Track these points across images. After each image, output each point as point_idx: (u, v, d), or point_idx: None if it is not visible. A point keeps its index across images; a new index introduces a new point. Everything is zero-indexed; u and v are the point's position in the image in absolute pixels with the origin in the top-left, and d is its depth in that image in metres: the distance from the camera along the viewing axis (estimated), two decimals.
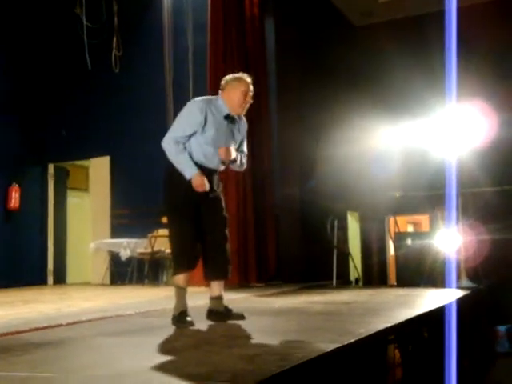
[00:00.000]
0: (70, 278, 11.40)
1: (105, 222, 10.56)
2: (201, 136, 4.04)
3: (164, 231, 8.10)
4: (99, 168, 10.81)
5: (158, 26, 10.02)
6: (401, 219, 10.72)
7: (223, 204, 4.22)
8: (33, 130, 11.11)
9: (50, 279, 11.05)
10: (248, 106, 4.22)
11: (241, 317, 4.13)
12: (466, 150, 7.49)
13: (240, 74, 4.26)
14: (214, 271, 4.13)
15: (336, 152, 8.75)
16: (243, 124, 4.34)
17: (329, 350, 2.83)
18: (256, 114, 8.45)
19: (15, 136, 10.80)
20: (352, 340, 3.11)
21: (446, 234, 7.41)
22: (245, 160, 4.38)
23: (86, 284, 10.51)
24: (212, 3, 8.51)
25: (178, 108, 4.27)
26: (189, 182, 3.97)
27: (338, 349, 2.90)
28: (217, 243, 4.09)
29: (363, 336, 3.28)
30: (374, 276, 10.86)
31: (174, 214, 4.15)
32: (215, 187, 4.15)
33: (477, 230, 7.82)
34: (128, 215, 10.24)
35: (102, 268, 10.23)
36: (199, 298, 4.59)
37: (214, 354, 2.90)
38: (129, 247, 9.62)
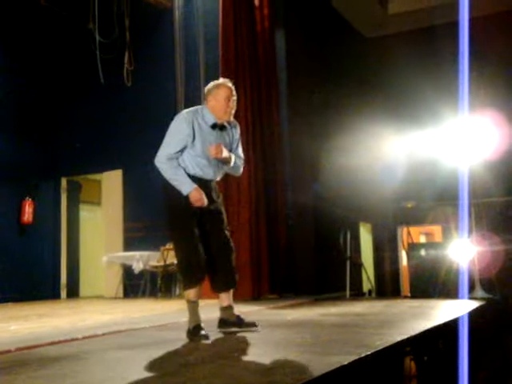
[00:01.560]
0: (83, 291, 11.43)
1: (117, 236, 10.60)
2: (191, 149, 4.00)
3: None
4: (111, 181, 10.86)
5: (169, 41, 10.11)
6: (414, 230, 10.68)
7: (224, 216, 4.19)
8: (46, 144, 11.20)
9: (63, 293, 11.08)
10: (233, 110, 4.14)
11: (253, 325, 4.12)
12: (477, 160, 7.47)
13: (221, 81, 4.22)
14: (221, 283, 4.12)
15: (347, 161, 8.75)
16: (235, 129, 4.27)
17: (346, 362, 2.81)
18: (267, 123, 8.53)
19: (28, 150, 10.89)
20: (369, 352, 3.09)
21: (460, 245, 7.37)
22: (240, 163, 4.32)
23: (99, 297, 10.53)
24: (223, 17, 8.58)
25: None
26: (187, 197, 3.94)
27: (355, 361, 2.88)
28: (221, 255, 4.07)
29: (380, 348, 3.26)
30: (387, 287, 10.82)
31: (175, 229, 4.12)
32: (215, 198, 4.14)
33: (490, 241, 7.76)
34: (140, 228, 10.26)
35: (115, 281, 10.26)
36: (213, 311, 4.57)
37: (229, 368, 2.89)
38: (141, 260, 9.62)
